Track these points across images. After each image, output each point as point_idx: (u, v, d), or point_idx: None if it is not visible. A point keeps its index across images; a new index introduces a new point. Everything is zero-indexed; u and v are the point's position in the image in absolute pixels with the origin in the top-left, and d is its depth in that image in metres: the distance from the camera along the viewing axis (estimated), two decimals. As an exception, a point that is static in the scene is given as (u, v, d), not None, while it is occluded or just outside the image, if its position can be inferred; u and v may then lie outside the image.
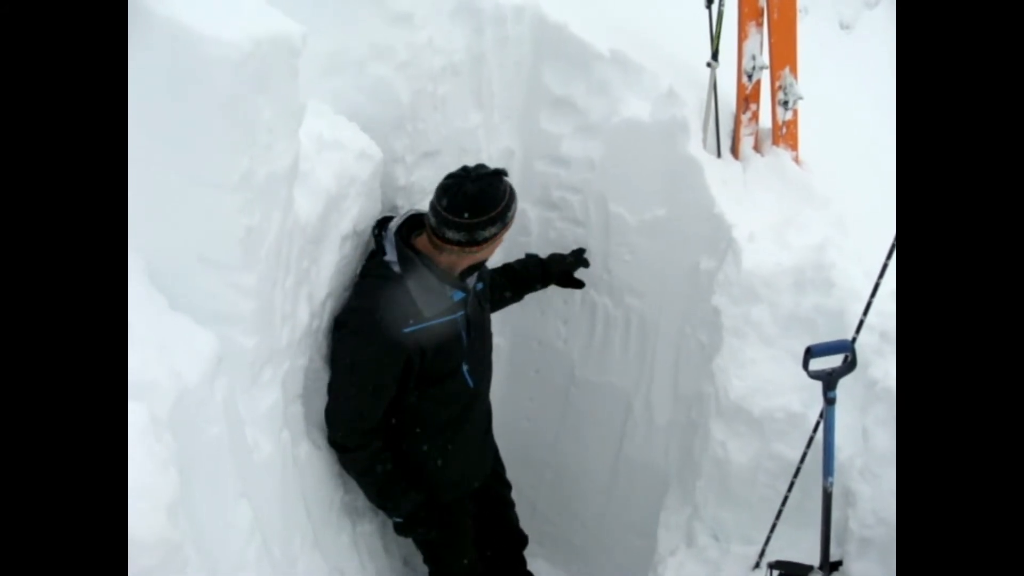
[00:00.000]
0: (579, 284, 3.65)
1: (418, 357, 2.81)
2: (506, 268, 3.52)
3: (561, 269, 3.58)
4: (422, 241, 2.86)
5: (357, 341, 2.79)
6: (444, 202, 2.74)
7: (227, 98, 2.00)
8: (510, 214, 2.82)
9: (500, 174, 2.82)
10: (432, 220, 2.78)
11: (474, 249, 2.81)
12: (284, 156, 2.27)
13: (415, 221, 2.90)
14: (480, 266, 2.99)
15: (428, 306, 2.80)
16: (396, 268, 2.80)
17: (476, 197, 2.73)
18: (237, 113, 2.04)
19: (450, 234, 2.76)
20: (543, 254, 3.60)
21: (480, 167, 2.82)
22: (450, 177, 2.80)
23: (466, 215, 2.72)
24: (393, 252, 2.82)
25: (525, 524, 3.79)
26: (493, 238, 2.81)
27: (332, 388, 2.89)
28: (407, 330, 2.76)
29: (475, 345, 3.05)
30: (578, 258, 3.62)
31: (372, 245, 2.95)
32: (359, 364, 2.80)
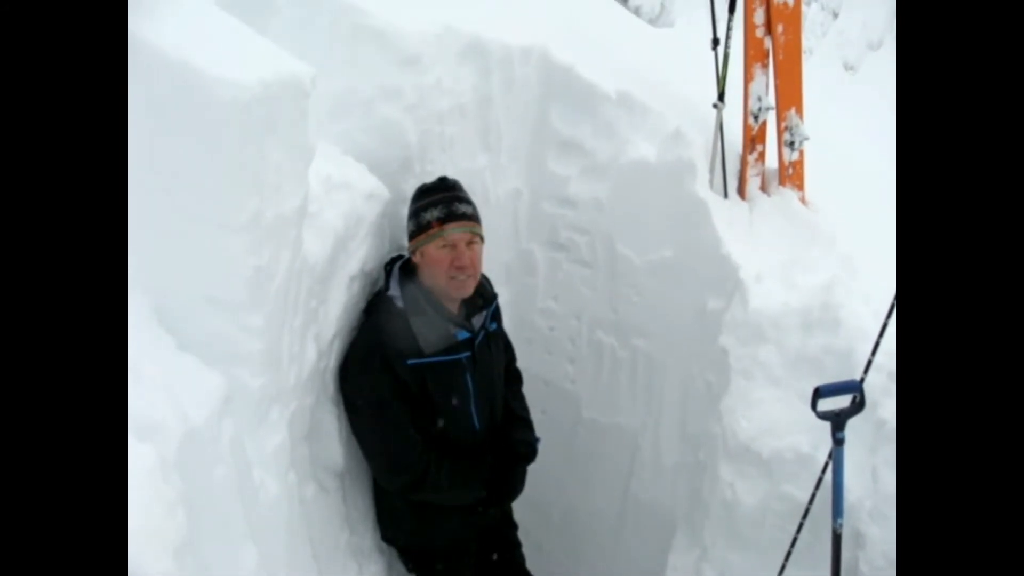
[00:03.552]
0: None
1: (417, 385, 2.79)
2: None
3: None
4: (417, 273, 2.87)
5: (372, 377, 2.76)
6: (418, 197, 2.89)
7: (236, 139, 2.02)
8: (479, 216, 2.90)
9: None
10: (411, 227, 2.86)
11: (452, 225, 2.79)
12: (293, 197, 2.29)
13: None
14: (487, 301, 3.00)
15: (428, 343, 2.79)
16: (399, 303, 2.81)
17: (443, 178, 2.92)
18: (246, 154, 2.06)
19: (428, 215, 2.81)
20: (551, 295, 3.57)
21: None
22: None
23: (440, 190, 2.86)
24: (397, 287, 2.84)
25: (532, 565, 3.74)
26: (470, 220, 2.83)
27: (369, 438, 2.87)
28: (411, 363, 2.76)
29: (482, 388, 3.00)
30: None
31: (380, 283, 2.95)
32: (381, 399, 2.77)
